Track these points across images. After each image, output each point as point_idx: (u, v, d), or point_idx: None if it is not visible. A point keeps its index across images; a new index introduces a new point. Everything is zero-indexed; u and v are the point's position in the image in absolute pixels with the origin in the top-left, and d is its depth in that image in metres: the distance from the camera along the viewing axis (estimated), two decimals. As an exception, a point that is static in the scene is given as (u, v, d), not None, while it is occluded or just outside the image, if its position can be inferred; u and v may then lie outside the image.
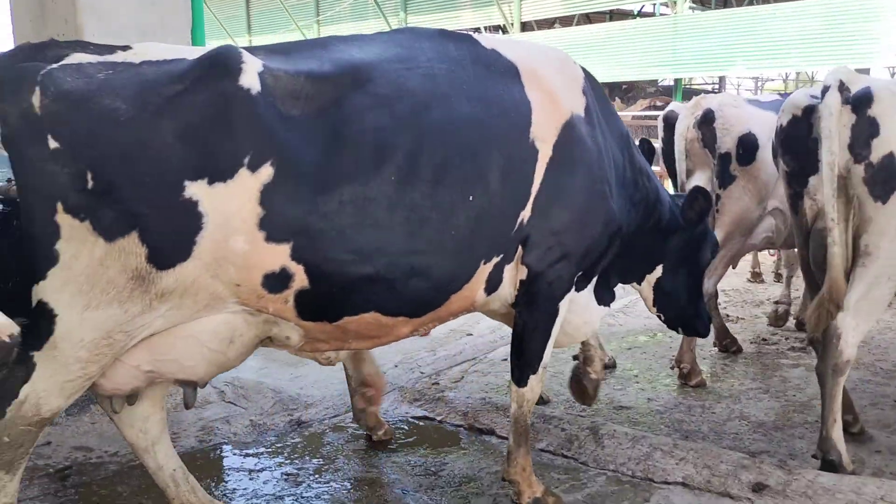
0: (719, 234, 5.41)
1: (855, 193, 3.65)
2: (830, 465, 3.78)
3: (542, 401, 4.81)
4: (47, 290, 2.55)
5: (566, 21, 25.49)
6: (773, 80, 47.28)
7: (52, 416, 2.69)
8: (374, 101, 2.83)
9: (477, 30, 26.42)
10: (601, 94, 3.63)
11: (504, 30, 21.77)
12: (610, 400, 5.09)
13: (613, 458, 4.01)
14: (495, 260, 3.17)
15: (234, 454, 4.25)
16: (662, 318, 4.19)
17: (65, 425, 4.45)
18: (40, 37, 4.79)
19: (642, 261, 3.97)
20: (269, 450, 4.28)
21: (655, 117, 19.90)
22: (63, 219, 2.50)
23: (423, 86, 2.96)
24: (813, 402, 5.04)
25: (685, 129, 5.63)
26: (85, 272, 2.54)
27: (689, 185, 5.45)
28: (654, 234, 3.88)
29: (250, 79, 2.65)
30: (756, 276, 8.94)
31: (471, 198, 2.97)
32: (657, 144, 6.26)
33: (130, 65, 2.61)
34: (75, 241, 2.52)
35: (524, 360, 3.46)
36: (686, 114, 5.68)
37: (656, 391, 5.35)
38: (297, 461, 4.16)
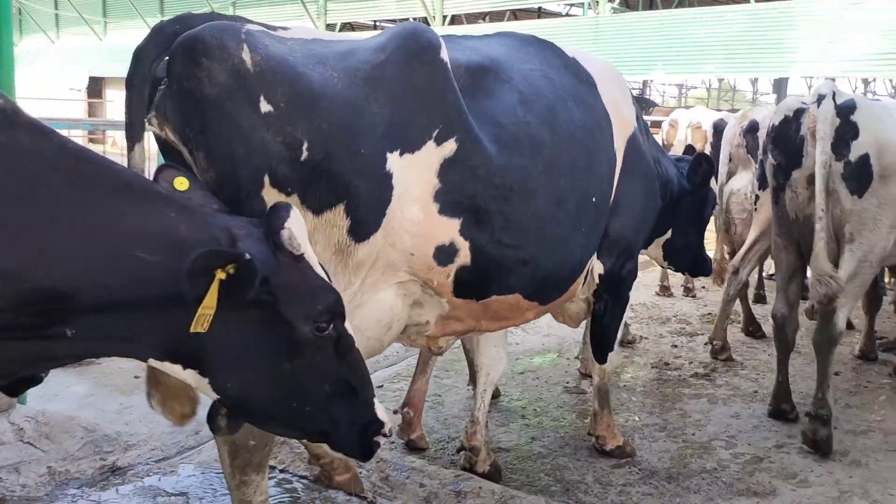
0: (754, 230, 6.03)
1: (834, 187, 4.16)
2: (822, 419, 4.35)
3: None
4: None
5: (497, 16, 25.02)
6: (696, 87, 48.17)
7: None
8: (520, 98, 2.97)
9: (405, 20, 25.70)
10: (629, 92, 3.89)
11: (427, 23, 21.06)
12: (489, 439, 4.43)
13: (475, 524, 3.36)
14: (594, 255, 3.52)
15: (12, 516, 3.42)
16: (673, 268, 4.94)
17: None
18: None
19: (655, 229, 4.36)
20: (61, 509, 3.46)
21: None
22: (270, 194, 2.28)
23: (548, 88, 3.11)
24: (713, 443, 4.54)
25: (732, 136, 6.38)
26: None
27: (731, 186, 6.43)
28: (667, 206, 4.29)
29: (445, 54, 2.63)
30: (664, 290, 8.46)
31: (593, 199, 3.24)
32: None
33: (305, 41, 2.47)
34: None
35: (604, 342, 4.05)
36: (734, 123, 6.49)
37: (542, 428, 4.72)
38: (92, 524, 3.36)
